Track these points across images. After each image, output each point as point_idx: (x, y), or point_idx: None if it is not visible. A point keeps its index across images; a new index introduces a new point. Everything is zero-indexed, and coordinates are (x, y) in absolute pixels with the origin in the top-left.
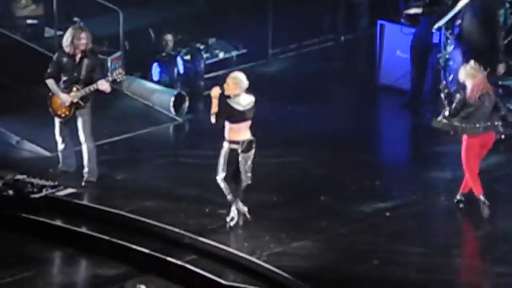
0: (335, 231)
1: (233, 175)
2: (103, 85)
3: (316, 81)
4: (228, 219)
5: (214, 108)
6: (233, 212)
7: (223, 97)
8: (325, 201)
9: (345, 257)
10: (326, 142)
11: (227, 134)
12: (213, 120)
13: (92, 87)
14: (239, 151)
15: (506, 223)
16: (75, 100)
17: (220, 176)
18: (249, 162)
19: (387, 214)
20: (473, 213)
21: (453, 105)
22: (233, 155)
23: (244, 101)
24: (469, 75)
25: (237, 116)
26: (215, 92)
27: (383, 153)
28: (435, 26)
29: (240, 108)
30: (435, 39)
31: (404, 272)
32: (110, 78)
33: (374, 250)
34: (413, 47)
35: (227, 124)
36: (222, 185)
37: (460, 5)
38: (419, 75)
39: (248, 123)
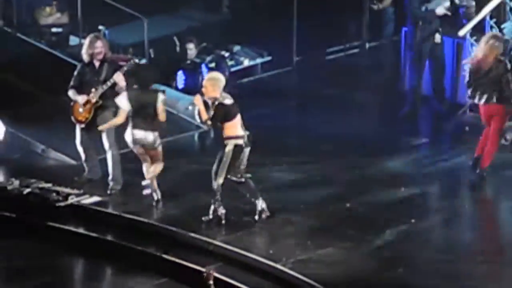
0: (361, 238)
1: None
2: (118, 77)
3: (342, 88)
4: (206, 218)
5: (203, 115)
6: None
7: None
8: (351, 208)
9: (371, 264)
10: (353, 148)
11: (229, 132)
12: (209, 124)
13: (108, 83)
14: (244, 145)
15: None
16: (93, 100)
17: (218, 182)
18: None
19: (412, 220)
20: (499, 219)
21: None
22: (238, 151)
23: (228, 96)
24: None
25: (232, 111)
26: (197, 99)
27: (409, 159)
28: (461, 33)
29: (231, 102)
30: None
31: (429, 279)
32: (125, 68)
33: (399, 257)
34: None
35: (225, 124)
36: (218, 190)
37: (485, 11)
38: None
39: (239, 116)
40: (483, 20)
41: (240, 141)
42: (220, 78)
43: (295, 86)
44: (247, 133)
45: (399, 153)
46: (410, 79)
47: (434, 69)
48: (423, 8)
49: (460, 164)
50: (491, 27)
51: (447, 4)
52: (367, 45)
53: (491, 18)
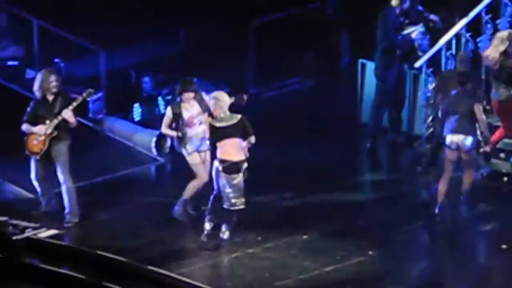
0: (318, 271)
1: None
2: (67, 114)
3: (299, 119)
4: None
5: (207, 133)
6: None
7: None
8: (308, 239)
9: None
10: (312, 179)
11: (217, 154)
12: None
13: (60, 117)
14: (220, 169)
15: None
16: (48, 131)
17: (212, 194)
18: (234, 184)
19: (370, 252)
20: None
21: None
22: (216, 174)
23: (226, 119)
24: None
25: (216, 134)
26: (205, 118)
27: (364, 189)
28: (416, 65)
29: (217, 124)
30: None
31: None
32: (74, 104)
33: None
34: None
35: (216, 144)
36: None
37: (440, 42)
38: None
39: (233, 141)
40: (438, 51)
41: (217, 164)
42: (222, 100)
43: (251, 117)
44: (236, 161)
45: (354, 184)
46: (374, 111)
47: (395, 100)
48: (399, 37)
49: (413, 194)
50: (447, 58)
51: (422, 29)
52: (322, 78)
53: (447, 49)
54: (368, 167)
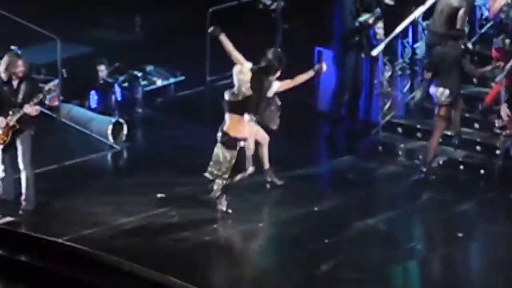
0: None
1: None
2: (27, 109)
3: None
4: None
5: None
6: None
7: None
8: (263, 226)
9: None
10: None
11: None
12: None
13: (22, 111)
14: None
15: None
16: (11, 123)
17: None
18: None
19: (326, 241)
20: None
21: None
22: None
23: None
24: None
25: None
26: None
27: (322, 177)
28: (374, 53)
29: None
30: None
31: None
32: (32, 102)
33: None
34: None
35: None
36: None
37: (397, 30)
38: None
39: (227, 114)
40: (395, 39)
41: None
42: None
43: (208, 106)
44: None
45: (313, 171)
46: (332, 98)
47: (353, 87)
48: (357, 23)
49: (372, 181)
50: (404, 46)
51: (378, 10)
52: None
53: (403, 37)
54: (324, 154)
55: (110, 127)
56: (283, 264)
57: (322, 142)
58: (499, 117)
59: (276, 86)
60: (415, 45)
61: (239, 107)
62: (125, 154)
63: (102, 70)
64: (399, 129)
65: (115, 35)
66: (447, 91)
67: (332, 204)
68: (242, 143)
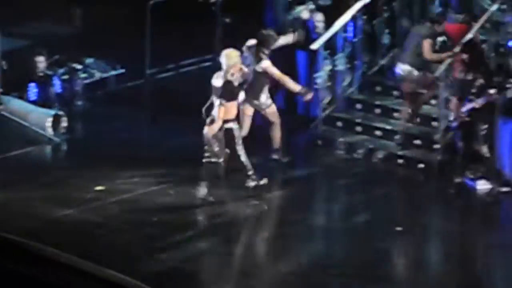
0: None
1: None
2: None
3: (195, 101)
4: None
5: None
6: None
7: None
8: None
9: None
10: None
11: None
12: None
13: None
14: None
15: None
16: None
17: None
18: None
19: (266, 235)
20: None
21: None
22: None
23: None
24: None
25: None
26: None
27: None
28: (313, 47)
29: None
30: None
31: None
32: None
33: None
34: None
35: None
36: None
37: (337, 25)
38: None
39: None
40: (335, 34)
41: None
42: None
43: (147, 99)
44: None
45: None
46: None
47: None
48: (290, 17)
49: (311, 175)
50: (344, 41)
51: (311, 6)
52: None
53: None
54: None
55: (50, 119)
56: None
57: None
58: (448, 109)
59: (267, 63)
60: (355, 39)
61: (228, 92)
62: (64, 146)
63: (41, 62)
64: (339, 123)
65: (55, 28)
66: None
67: (274, 197)
68: (229, 125)
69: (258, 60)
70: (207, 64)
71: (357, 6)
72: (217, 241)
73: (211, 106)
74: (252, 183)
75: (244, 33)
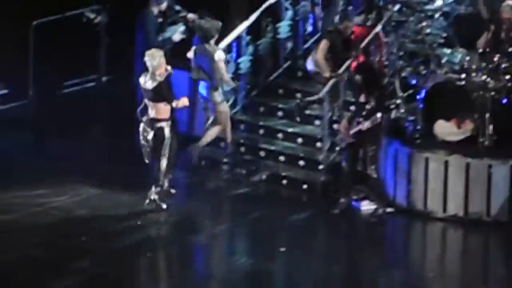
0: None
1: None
2: None
3: (78, 121)
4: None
5: None
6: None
7: None
8: (86, 241)
9: None
10: (90, 180)
11: None
12: None
13: None
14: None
15: None
16: None
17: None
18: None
19: (148, 254)
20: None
21: None
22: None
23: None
24: None
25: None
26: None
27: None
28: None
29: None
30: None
31: None
32: None
33: None
34: None
35: None
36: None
37: (221, 45)
38: None
39: (151, 103)
40: None
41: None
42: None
43: (31, 119)
44: (155, 118)
45: (134, 186)
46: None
47: None
48: (160, 38)
49: (196, 195)
50: (228, 61)
51: (182, 28)
52: (104, 79)
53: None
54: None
55: None
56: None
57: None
58: (337, 130)
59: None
60: (239, 60)
61: (159, 94)
62: None
63: None
64: (222, 144)
65: None
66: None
67: (156, 218)
68: (161, 124)
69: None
70: (90, 84)
71: (241, 27)
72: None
73: (145, 108)
74: (153, 196)
75: (129, 53)
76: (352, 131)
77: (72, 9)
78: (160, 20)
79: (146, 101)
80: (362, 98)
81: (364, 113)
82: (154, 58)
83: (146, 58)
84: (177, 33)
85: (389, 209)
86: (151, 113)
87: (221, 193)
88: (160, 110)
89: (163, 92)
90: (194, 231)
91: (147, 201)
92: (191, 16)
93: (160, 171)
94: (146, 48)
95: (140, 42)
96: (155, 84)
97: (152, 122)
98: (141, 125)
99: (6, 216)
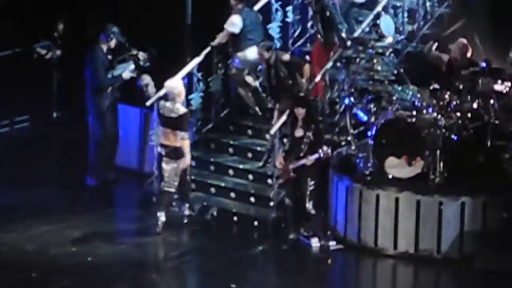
0: None
1: None
2: None
3: (23, 160)
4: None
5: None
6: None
7: None
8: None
9: None
10: (38, 219)
11: None
12: None
13: None
14: (163, 153)
15: None
16: None
17: None
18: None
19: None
20: None
21: None
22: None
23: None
24: None
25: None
26: None
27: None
28: (148, 103)
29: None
30: None
31: None
32: None
33: None
34: None
35: None
36: None
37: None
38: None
39: (173, 131)
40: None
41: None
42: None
43: None
44: (177, 146)
45: (84, 223)
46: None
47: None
48: (109, 75)
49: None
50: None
51: (132, 67)
52: (54, 115)
53: None
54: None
55: None
56: None
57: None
58: (275, 166)
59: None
60: (190, 96)
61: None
62: None
63: None
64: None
65: None
66: None
67: (105, 253)
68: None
69: None
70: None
71: (192, 64)
72: None
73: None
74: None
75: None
76: (292, 166)
77: (24, 44)
78: (109, 57)
79: (162, 128)
80: (298, 132)
81: (303, 147)
82: (176, 88)
83: (169, 88)
84: (126, 71)
85: (336, 245)
86: (167, 140)
87: (170, 229)
88: (177, 137)
89: (186, 121)
90: (147, 266)
91: (185, 220)
92: (141, 54)
93: (187, 188)
94: (94, 85)
95: (89, 78)
96: (180, 113)
97: (169, 148)
98: (158, 151)
99: None
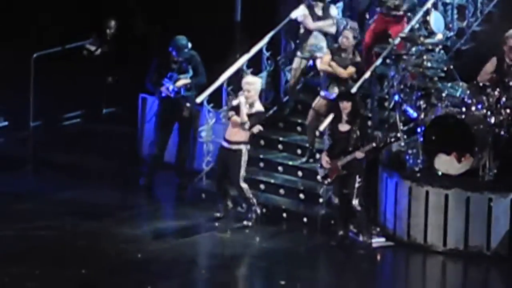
0: None
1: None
2: None
3: (79, 154)
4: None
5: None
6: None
7: None
8: (87, 273)
9: None
10: (89, 215)
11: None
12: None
13: None
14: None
15: None
16: None
17: (243, 185)
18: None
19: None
20: None
21: None
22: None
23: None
24: None
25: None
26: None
27: (144, 226)
28: (198, 100)
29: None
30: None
31: None
32: None
33: None
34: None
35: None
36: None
37: (222, 78)
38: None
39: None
40: (220, 87)
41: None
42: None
43: (31, 152)
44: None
45: (133, 220)
46: (150, 146)
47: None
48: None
49: (196, 228)
50: (228, 94)
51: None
52: (104, 111)
53: (228, 85)
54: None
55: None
56: None
57: (141, 191)
58: (321, 166)
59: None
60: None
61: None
62: None
63: None
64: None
65: None
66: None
67: (154, 250)
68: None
69: None
70: (92, 116)
71: (242, 60)
72: None
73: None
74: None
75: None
76: (341, 163)
77: (73, 41)
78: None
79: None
80: (343, 127)
81: (350, 142)
82: (257, 85)
83: (253, 85)
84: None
85: (388, 242)
86: (234, 136)
87: (219, 226)
88: (244, 134)
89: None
90: (196, 263)
91: (248, 223)
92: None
93: (246, 192)
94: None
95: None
96: (255, 110)
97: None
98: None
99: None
